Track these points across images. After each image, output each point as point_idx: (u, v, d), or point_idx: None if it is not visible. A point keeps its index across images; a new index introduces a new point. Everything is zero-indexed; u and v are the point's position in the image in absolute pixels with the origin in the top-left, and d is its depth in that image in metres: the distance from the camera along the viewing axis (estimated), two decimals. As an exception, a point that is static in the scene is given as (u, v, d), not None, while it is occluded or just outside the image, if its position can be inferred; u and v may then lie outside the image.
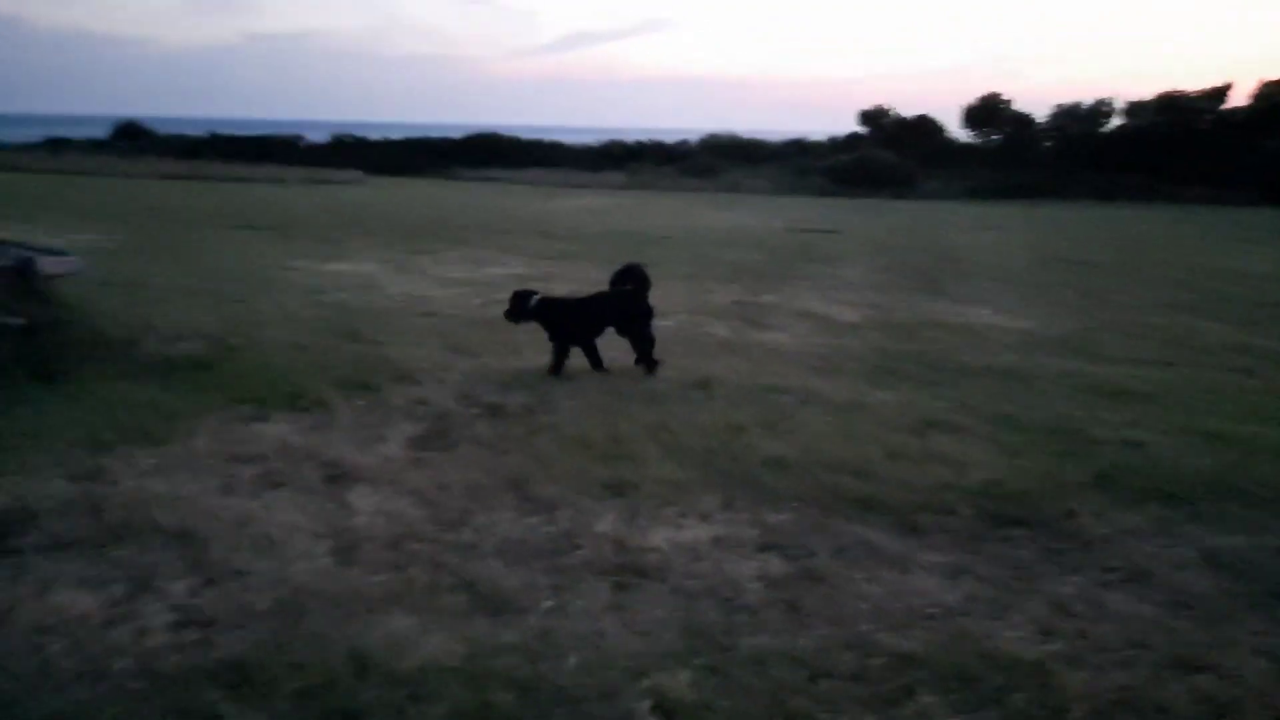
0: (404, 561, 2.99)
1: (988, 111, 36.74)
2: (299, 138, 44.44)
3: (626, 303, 6.07)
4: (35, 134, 45.27)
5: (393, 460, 4.06)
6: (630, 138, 47.51)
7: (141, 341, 5.55)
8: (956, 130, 37.62)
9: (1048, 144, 35.47)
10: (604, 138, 47.67)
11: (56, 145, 38.89)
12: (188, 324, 6.25)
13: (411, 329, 7.20)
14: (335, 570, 2.88)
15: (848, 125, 39.33)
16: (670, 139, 46.47)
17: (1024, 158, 34.12)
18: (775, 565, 3.14)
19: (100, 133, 43.64)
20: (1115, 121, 35.12)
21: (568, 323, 5.95)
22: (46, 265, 5.83)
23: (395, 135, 46.07)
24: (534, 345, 6.62)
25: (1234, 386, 6.23)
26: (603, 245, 14.64)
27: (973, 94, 36.88)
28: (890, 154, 34.20)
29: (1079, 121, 34.32)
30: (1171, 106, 33.14)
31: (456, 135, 45.06)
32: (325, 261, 11.07)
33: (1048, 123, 36.34)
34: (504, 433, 4.53)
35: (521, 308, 5.95)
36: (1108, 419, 5.21)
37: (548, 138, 49.54)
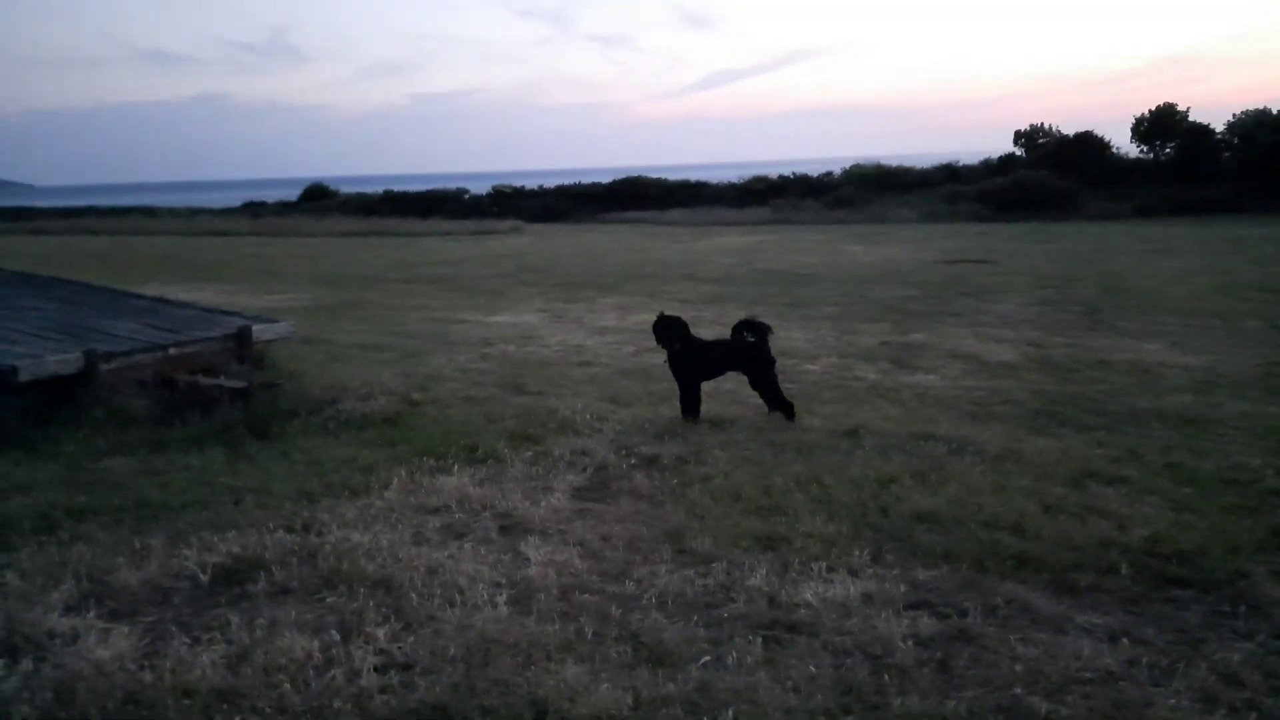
0: (574, 611, 3.27)
1: (1160, 122, 34.44)
2: (463, 191, 47.19)
3: (749, 350, 6.18)
4: (236, 198, 50.35)
5: (559, 511, 4.40)
6: (774, 171, 47.58)
7: (339, 400, 6.20)
8: (1125, 144, 35.52)
9: (1227, 155, 32.83)
10: (748, 173, 47.95)
11: (254, 209, 43.07)
12: (376, 381, 6.90)
13: (570, 379, 7.64)
14: (513, 618, 3.20)
15: (1003, 145, 37.69)
16: (815, 170, 46.19)
17: (1202, 172, 31.71)
18: (925, 624, 3.22)
19: (291, 194, 47.99)
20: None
21: (693, 360, 6.16)
22: (261, 331, 6.65)
23: (549, 182, 48.14)
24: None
25: None
26: (748, 286, 14.85)
27: (1142, 104, 34.67)
28: (1049, 174, 32.62)
29: (1267, 129, 31.60)
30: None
31: (605, 179, 46.59)
32: (489, 314, 11.83)
33: (1230, 132, 33.67)
34: (660, 484, 4.79)
35: (672, 334, 6.19)
36: (1293, 468, 4.91)
37: (693, 176, 50.34)
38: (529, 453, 5.29)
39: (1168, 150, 34.45)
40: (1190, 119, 33.70)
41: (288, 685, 2.73)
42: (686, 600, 3.40)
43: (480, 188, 48.14)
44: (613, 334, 10.14)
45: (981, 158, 38.80)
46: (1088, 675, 2.87)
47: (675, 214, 37.16)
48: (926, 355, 8.68)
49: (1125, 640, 3.08)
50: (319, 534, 3.96)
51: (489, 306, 12.45)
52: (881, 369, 8.10)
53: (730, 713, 2.61)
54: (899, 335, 9.79)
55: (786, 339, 9.41)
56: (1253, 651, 2.99)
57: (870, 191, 37.11)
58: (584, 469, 5.06)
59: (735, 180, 46.23)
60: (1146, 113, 34.12)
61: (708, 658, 2.95)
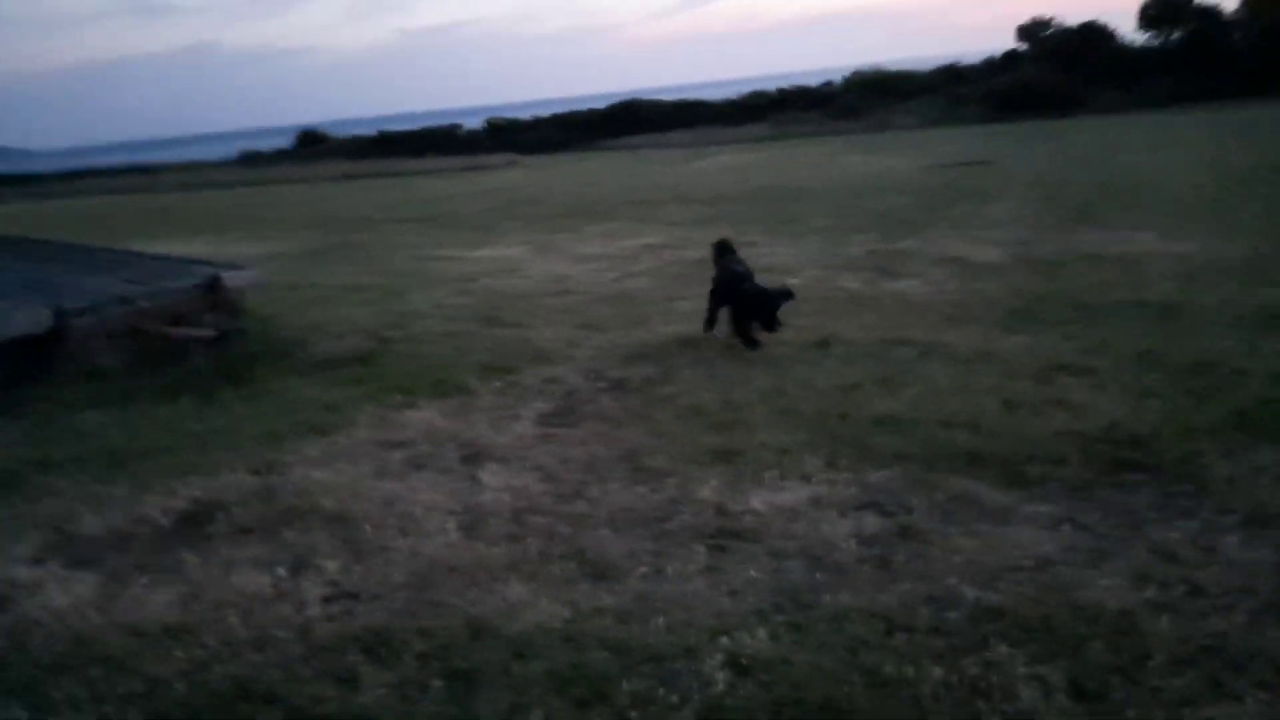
0: (523, 533, 3.32)
1: (1168, 7, 33.24)
2: (457, 126, 46.58)
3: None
4: (231, 149, 49.93)
5: (523, 438, 4.42)
6: (773, 85, 46.51)
7: (310, 341, 6.22)
8: (1131, 34, 34.35)
9: (1238, 36, 31.70)
10: (749, 89, 46.89)
11: (250, 159, 42.77)
12: (350, 322, 6.92)
13: (548, 309, 7.60)
14: (463, 543, 3.25)
15: (1007, 42, 36.51)
16: (815, 81, 45.10)
17: (1213, 57, 30.70)
18: (870, 523, 3.24)
19: (286, 142, 47.51)
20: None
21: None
22: (231, 279, 6.65)
23: (546, 112, 47.33)
24: (660, 317, 6.88)
25: None
26: (741, 206, 14.64)
27: (1147, -10, 33.39)
28: (1053, 70, 31.72)
29: (1276, 7, 30.42)
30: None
31: (601, 106, 45.73)
32: (474, 249, 11.75)
33: (1240, 13, 32.46)
34: (625, 406, 4.80)
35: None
36: (1265, 350, 4.85)
37: (691, 96, 49.30)
38: (498, 383, 5.30)
39: (1176, 36, 33.31)
40: (1198, 2, 32.48)
41: (234, 619, 2.80)
42: (636, 515, 3.43)
43: (476, 123, 47.46)
44: (596, 262, 10.06)
45: (985, 57, 37.71)
46: (1025, 563, 2.89)
47: (674, 136, 36.60)
48: (912, 262, 8.56)
49: (1067, 527, 3.09)
50: (281, 474, 4.01)
51: (475, 242, 12.36)
52: (865, 278, 8.01)
53: (661, 620, 2.65)
54: (886, 244, 9.65)
55: (771, 254, 9.32)
56: (1193, 529, 3.00)
57: (872, 99, 36.31)
58: (552, 396, 5.07)
59: (734, 97, 45.30)
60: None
61: (646, 569, 2.99)
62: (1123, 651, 2.36)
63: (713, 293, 6.09)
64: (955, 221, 10.82)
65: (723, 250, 6.38)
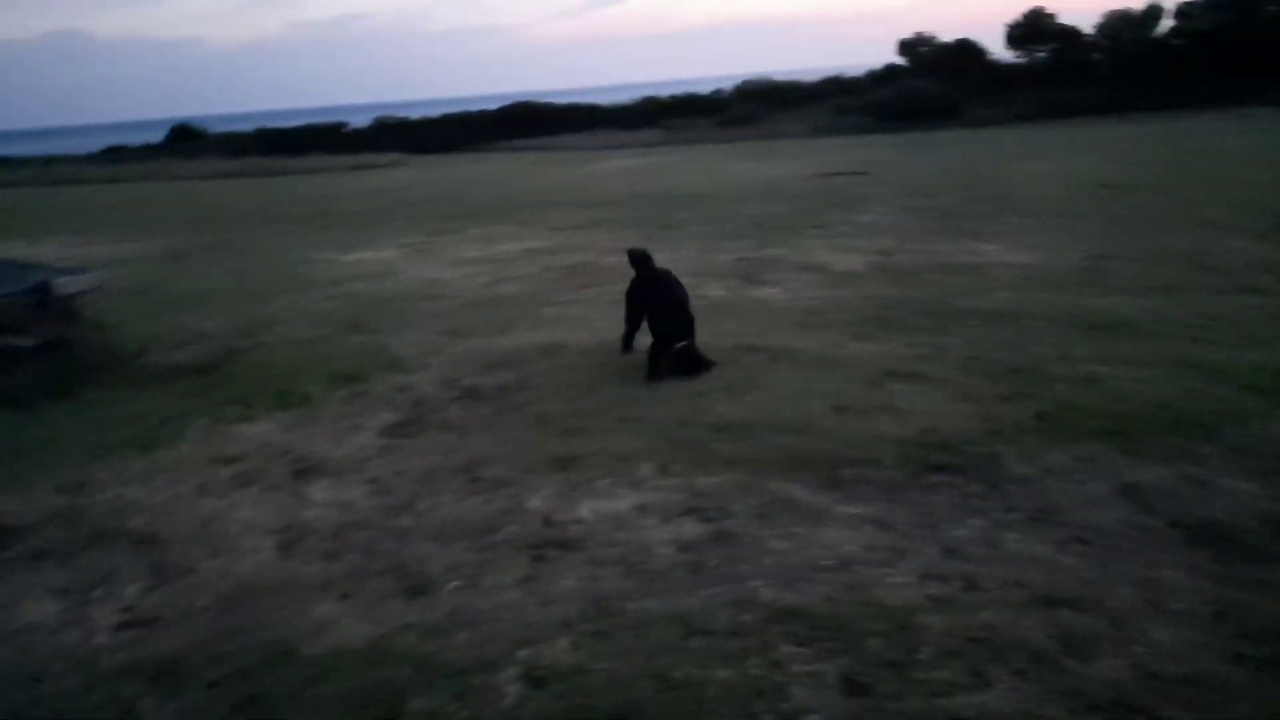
0: (342, 550, 3.26)
1: (1032, 28, 35.15)
2: (342, 124, 45.19)
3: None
4: (97, 144, 47.11)
5: (363, 450, 4.34)
6: (671, 91, 47.00)
7: (151, 351, 5.95)
8: (1001, 52, 36.18)
9: (1098, 56, 33.82)
10: (643, 94, 47.25)
11: (114, 153, 40.45)
12: (198, 330, 6.64)
13: (415, 314, 7.48)
14: (277, 563, 3.17)
15: (890, 57, 38.00)
16: (711, 88, 45.78)
17: (1074, 75, 32.63)
18: (691, 529, 3.31)
19: (159, 137, 45.09)
20: (1167, 24, 33.27)
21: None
22: (64, 285, 6.28)
23: (443, 111, 46.40)
24: (526, 323, 6.86)
25: (1234, 309, 6.07)
26: (625, 211, 14.72)
27: (1017, 9, 35.31)
28: (932, 83, 33.11)
29: (1130, 29, 32.61)
30: (1228, 3, 31.18)
31: (496, 106, 45.19)
32: (349, 251, 11.44)
33: (1097, 34, 34.61)
34: (474, 415, 4.77)
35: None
36: (1080, 354, 5.18)
37: (588, 99, 49.28)
38: (345, 394, 5.18)
39: (1041, 55, 35.24)
40: (1060, 21, 34.47)
41: (10, 653, 2.65)
42: (463, 527, 3.41)
43: (366, 120, 46.18)
44: (473, 265, 9.95)
45: (868, 69, 39.05)
46: (828, 563, 3.01)
47: (567, 139, 36.47)
48: (777, 269, 8.79)
49: (871, 527, 3.24)
50: (92, 493, 3.83)
51: (350, 244, 12.04)
52: (729, 285, 8.18)
53: (466, 635, 2.65)
54: (757, 251, 9.87)
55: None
56: (981, 527, 3.18)
57: (761, 108, 37.05)
58: (400, 406, 4.99)
59: (629, 101, 45.53)
60: (1019, 17, 34.73)
61: (462, 582, 2.98)
62: (897, 646, 2.49)
63: (628, 312, 5.74)
64: (825, 230, 11.16)
65: (639, 262, 5.88)
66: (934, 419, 4.20)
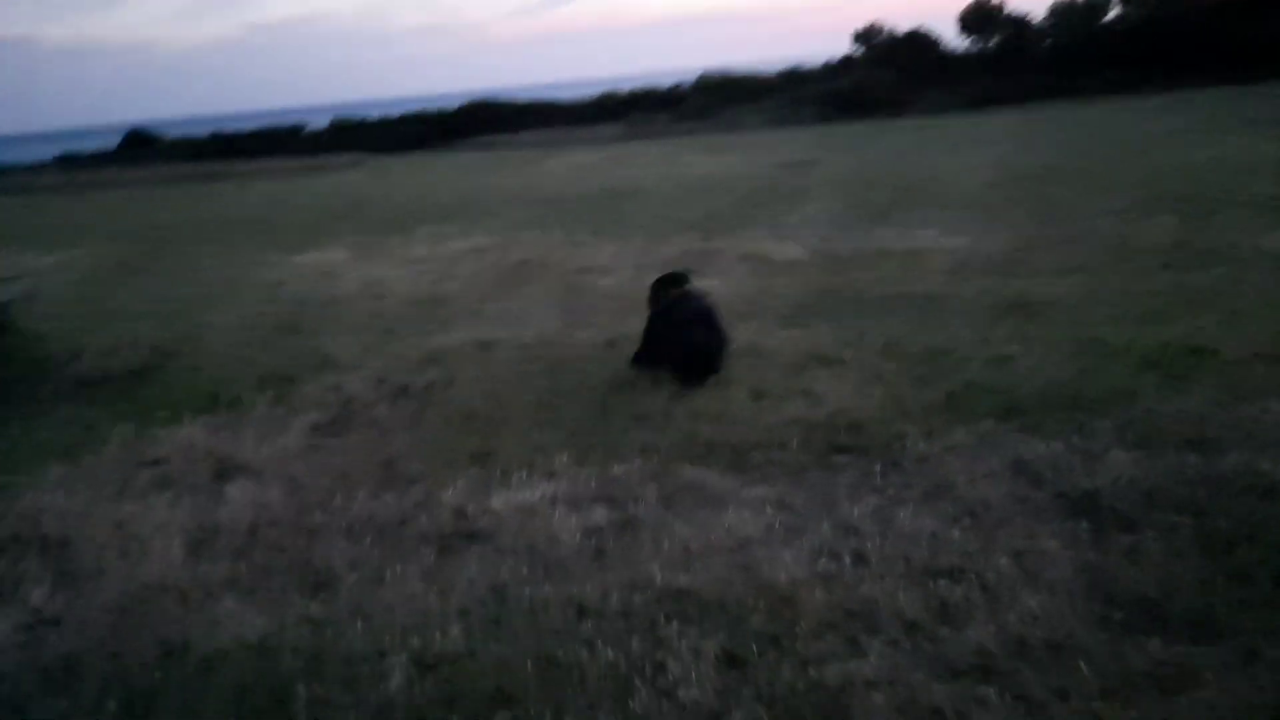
0: (251, 548, 3.29)
1: (982, 16, 35.66)
2: (300, 126, 44.72)
3: None
4: (49, 152, 46.19)
5: (286, 450, 4.36)
6: (631, 86, 47.03)
7: (81, 359, 5.91)
8: (955, 40, 36.67)
9: (1047, 44, 34.38)
10: (604, 89, 47.24)
11: (66, 162, 39.72)
12: (134, 336, 6.60)
13: (354, 315, 7.48)
14: (184, 563, 3.20)
15: (845, 47, 38.46)
16: (670, 82, 45.90)
17: (1024, 62, 33.14)
18: (599, 515, 3.39)
19: (114, 143, 44.29)
20: (1114, 13, 33.92)
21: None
22: (-9, 296, 6.22)
23: (404, 110, 46.03)
24: (465, 321, 6.90)
25: (1143, 289, 6.24)
26: (578, 207, 14.75)
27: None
28: (887, 73, 33.47)
29: (1078, 17, 33.20)
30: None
31: (455, 105, 44.95)
32: (295, 254, 11.37)
33: (1046, 22, 35.19)
34: (400, 413, 4.81)
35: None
36: (996, 336, 5.33)
37: (548, 95, 49.16)
38: (274, 395, 5.19)
39: (992, 43, 35.76)
40: (1009, 11, 35.02)
41: (-93, 657, 2.66)
42: (375, 523, 3.46)
43: (324, 122, 45.72)
44: (418, 265, 9.94)
45: (824, 61, 39.39)
46: (727, 544, 3.10)
47: (528, 136, 36.38)
48: (718, 260, 8.88)
49: (770, 508, 3.33)
50: (10, 500, 3.81)
51: (297, 246, 11.95)
52: (672, 277, 8.26)
53: (360, 625, 2.70)
54: (703, 243, 9.96)
55: (595, 255, 9.52)
56: (877, 504, 3.28)
57: (720, 101, 37.20)
58: (328, 407, 5.01)
59: (589, 97, 45.51)
60: (970, 6, 35.22)
61: (366, 576, 3.03)
62: (778, 621, 2.58)
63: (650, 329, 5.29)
64: (770, 220, 11.28)
65: (671, 283, 5.56)
66: (846, 402, 4.31)
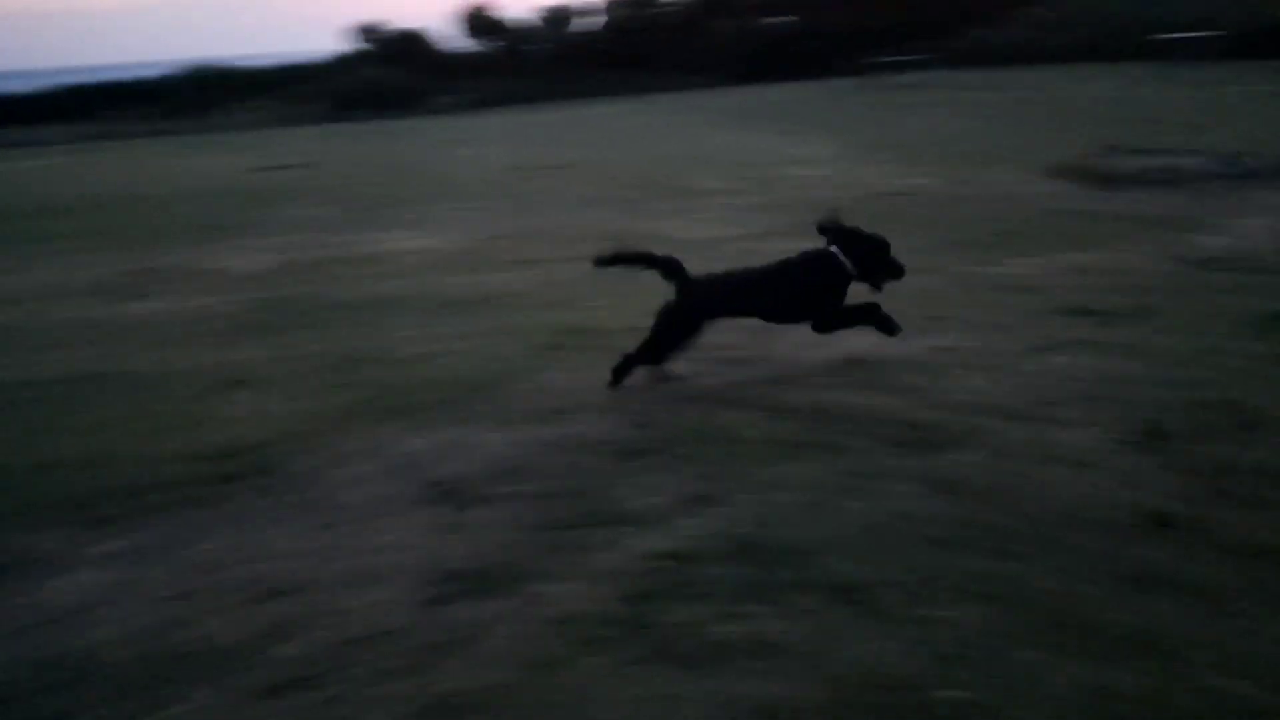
0: None
1: (486, 22, 37.45)
2: None
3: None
4: None
5: None
6: (101, 77, 40.88)
7: None
8: (464, 42, 37.98)
9: (545, 46, 37.27)
10: (70, 80, 40.43)
11: None
12: None
13: None
14: None
15: (344, 44, 37.72)
16: (150, 75, 40.80)
17: (520, 65, 35.53)
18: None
19: None
20: (597, 20, 37.91)
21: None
22: None
23: None
24: None
25: (566, 279, 6.88)
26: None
27: (458, 4, 37.50)
28: (394, 72, 33.48)
29: (567, 24, 36.49)
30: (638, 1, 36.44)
31: None
32: None
33: (542, 28, 38.10)
34: None
35: None
36: (428, 334, 5.52)
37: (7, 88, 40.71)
38: None
39: (496, 46, 37.77)
40: (503, 16, 37.29)
41: None
42: None
43: None
44: None
45: (326, 56, 38.20)
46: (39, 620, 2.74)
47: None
48: (168, 279, 8.03)
49: (123, 561, 3.03)
50: None
51: None
52: (105, 302, 7.28)
53: None
54: (152, 260, 8.92)
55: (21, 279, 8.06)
56: (247, 530, 3.16)
57: (212, 97, 34.11)
58: None
59: (48, 89, 38.68)
60: (466, 10, 36.79)
61: None
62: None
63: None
64: (241, 229, 10.52)
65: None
66: (249, 426, 4.12)
